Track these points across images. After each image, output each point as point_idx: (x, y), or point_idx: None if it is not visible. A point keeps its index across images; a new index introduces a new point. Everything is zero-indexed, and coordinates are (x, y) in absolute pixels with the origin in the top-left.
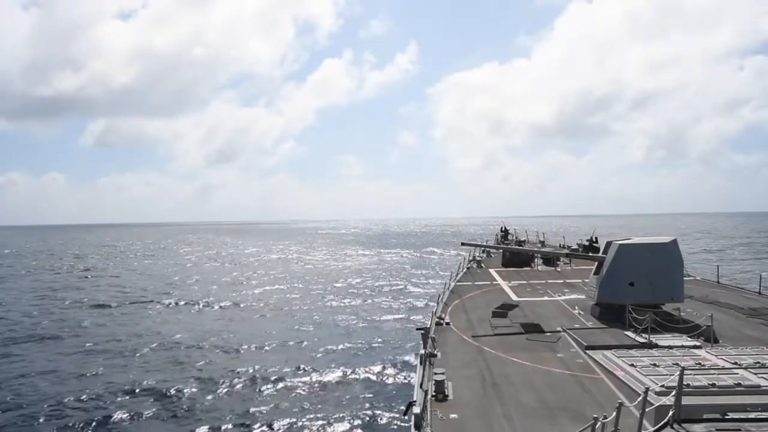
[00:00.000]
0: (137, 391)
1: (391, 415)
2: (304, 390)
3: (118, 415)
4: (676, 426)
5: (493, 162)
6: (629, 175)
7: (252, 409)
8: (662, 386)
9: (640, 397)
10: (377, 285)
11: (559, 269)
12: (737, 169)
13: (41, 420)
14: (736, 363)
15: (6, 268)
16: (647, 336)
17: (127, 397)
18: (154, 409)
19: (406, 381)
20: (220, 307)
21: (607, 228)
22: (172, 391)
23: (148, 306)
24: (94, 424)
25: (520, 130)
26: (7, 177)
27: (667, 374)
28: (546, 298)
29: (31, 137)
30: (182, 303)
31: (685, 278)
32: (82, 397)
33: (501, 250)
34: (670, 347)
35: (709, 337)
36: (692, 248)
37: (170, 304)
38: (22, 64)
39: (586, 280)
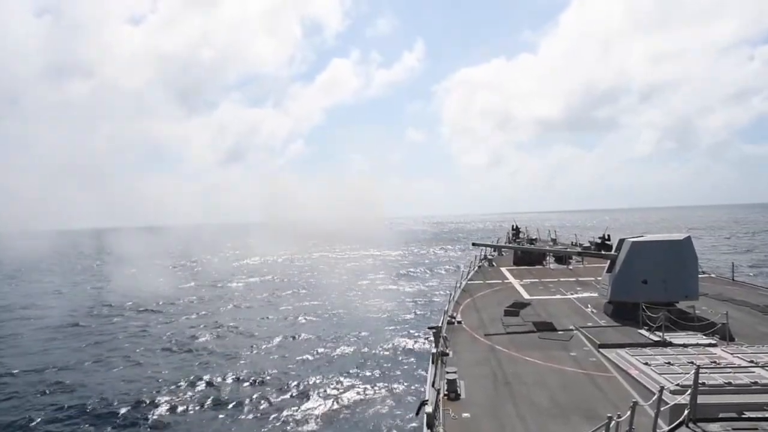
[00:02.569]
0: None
1: (404, 414)
2: (313, 386)
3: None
4: (691, 425)
5: (500, 158)
6: (638, 168)
7: (256, 404)
8: (677, 385)
9: (655, 396)
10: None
11: (571, 267)
12: (747, 159)
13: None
14: (752, 361)
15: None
16: (661, 334)
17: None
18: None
19: (418, 380)
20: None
21: (618, 223)
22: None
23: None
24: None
25: (527, 125)
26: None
27: (682, 373)
28: (558, 296)
29: (41, 140)
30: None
31: (699, 275)
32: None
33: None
34: (684, 345)
35: (724, 335)
36: (708, 243)
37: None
38: (34, 68)
39: (599, 278)
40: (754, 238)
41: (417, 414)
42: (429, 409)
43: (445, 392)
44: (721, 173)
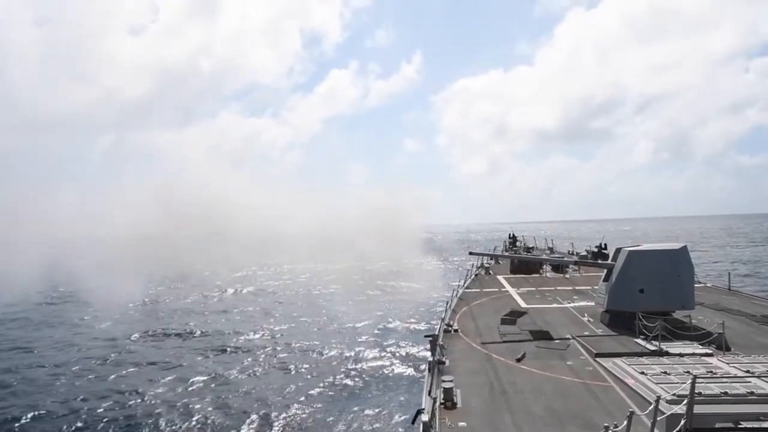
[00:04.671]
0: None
1: (400, 422)
2: (309, 395)
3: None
4: None
5: (498, 167)
6: (635, 179)
7: (253, 413)
8: (673, 395)
9: (652, 406)
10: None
11: (568, 276)
12: (744, 170)
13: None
14: (748, 371)
15: None
16: (658, 344)
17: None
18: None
19: (415, 388)
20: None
21: (616, 234)
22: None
23: None
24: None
25: (524, 136)
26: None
27: (678, 382)
28: (555, 305)
29: (41, 151)
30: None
31: (695, 285)
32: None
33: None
34: (681, 355)
35: (720, 344)
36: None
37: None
38: (33, 78)
39: (596, 287)
40: (750, 248)
41: (413, 422)
42: (425, 417)
43: (442, 401)
44: (717, 183)
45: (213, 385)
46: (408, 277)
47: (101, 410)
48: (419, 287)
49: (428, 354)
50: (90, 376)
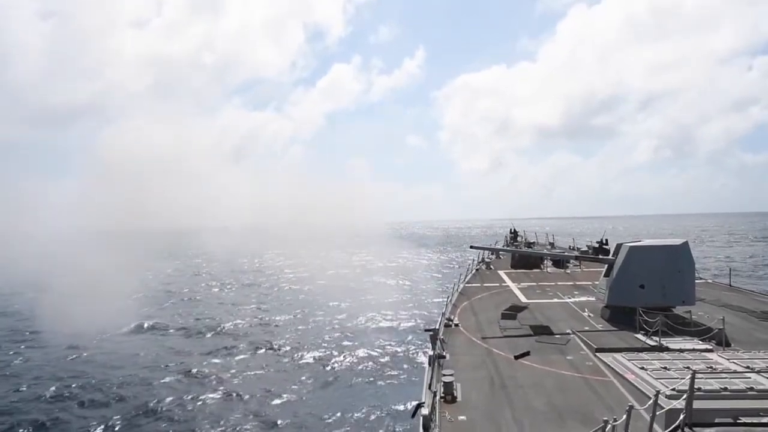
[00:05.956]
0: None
1: (399, 416)
2: (308, 388)
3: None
4: (687, 430)
5: (499, 164)
6: (637, 176)
7: (251, 408)
8: (673, 390)
9: (651, 401)
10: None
11: (568, 271)
12: (747, 168)
13: None
14: (748, 367)
15: None
16: (658, 339)
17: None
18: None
19: (415, 382)
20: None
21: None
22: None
23: None
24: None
25: (526, 132)
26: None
27: (678, 378)
28: (555, 300)
29: (45, 145)
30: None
31: (696, 281)
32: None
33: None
34: (681, 350)
35: (720, 340)
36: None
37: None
38: (37, 72)
39: (596, 283)
40: (751, 246)
41: (413, 416)
42: (425, 411)
43: (442, 395)
44: (719, 181)
45: (210, 382)
46: (402, 274)
47: (89, 405)
48: (412, 284)
49: (428, 348)
50: (81, 372)
